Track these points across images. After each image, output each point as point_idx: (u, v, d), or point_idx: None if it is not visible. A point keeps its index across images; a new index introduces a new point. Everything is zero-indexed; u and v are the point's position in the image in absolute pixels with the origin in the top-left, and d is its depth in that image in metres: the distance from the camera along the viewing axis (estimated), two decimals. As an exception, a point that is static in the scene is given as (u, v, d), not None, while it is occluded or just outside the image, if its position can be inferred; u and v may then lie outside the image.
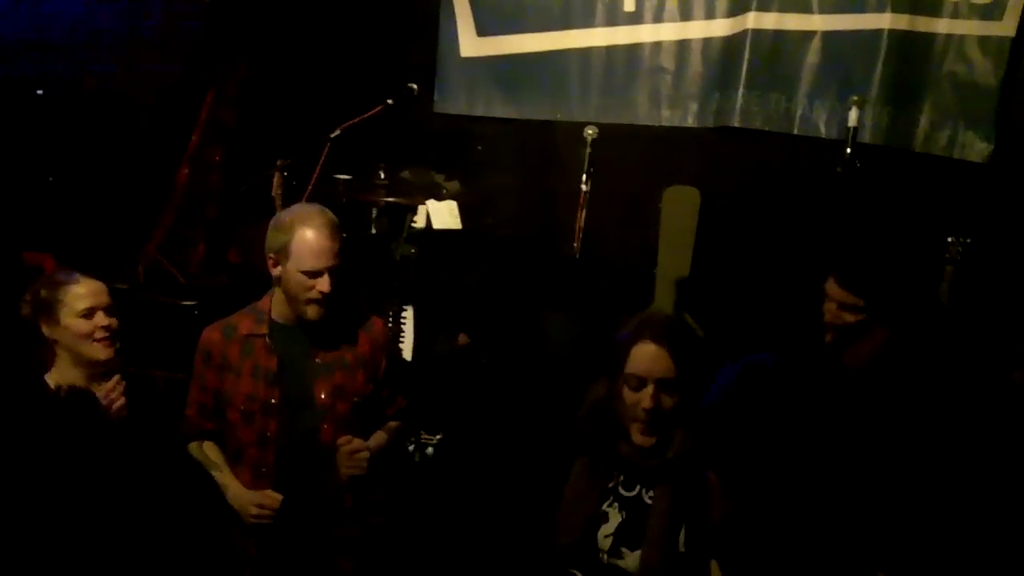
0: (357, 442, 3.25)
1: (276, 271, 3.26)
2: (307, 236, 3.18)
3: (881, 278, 3.12)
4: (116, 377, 3.18)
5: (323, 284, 3.19)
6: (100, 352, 3.14)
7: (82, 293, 3.15)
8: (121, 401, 3.17)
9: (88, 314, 3.13)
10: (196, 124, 5.35)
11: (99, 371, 3.17)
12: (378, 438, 3.42)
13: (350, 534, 3.35)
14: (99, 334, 3.13)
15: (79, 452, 3.07)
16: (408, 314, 4.58)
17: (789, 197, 4.73)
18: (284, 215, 3.30)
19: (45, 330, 3.15)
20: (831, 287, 3.20)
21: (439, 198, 4.76)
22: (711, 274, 4.86)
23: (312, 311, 3.23)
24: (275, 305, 3.33)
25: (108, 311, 3.18)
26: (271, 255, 3.26)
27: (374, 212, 4.78)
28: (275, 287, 3.33)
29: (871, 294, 3.09)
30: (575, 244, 4.16)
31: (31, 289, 3.19)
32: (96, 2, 5.59)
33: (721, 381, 1.98)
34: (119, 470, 3.10)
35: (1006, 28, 4.49)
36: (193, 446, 3.39)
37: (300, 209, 3.32)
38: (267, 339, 3.30)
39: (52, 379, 3.17)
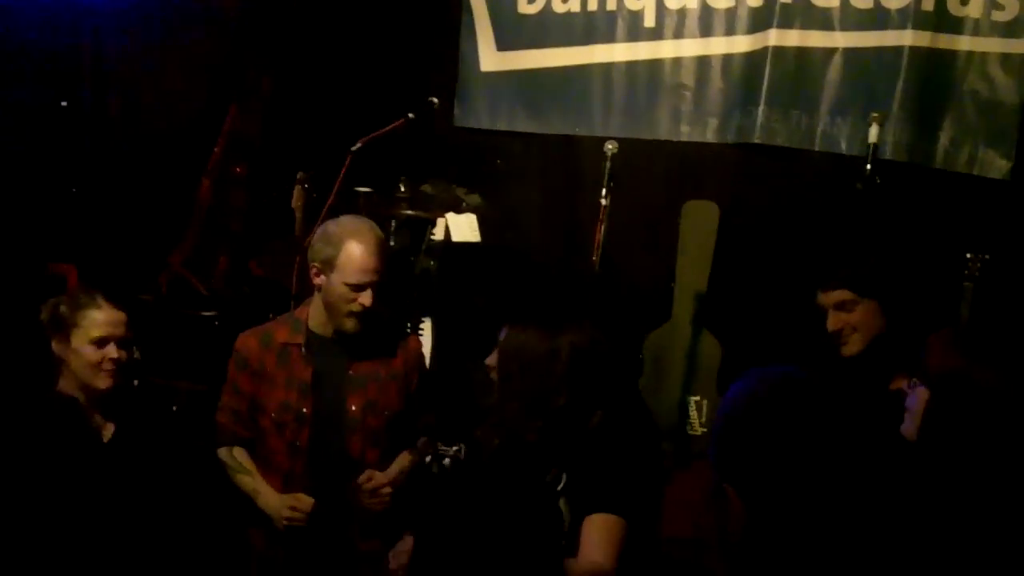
0: (378, 477, 3.28)
1: (319, 280, 3.26)
2: (355, 250, 3.18)
3: (856, 263, 3.17)
4: None
5: (366, 298, 3.20)
6: (101, 382, 3.09)
7: (100, 320, 3.09)
8: (107, 427, 3.17)
9: (100, 343, 3.07)
10: (219, 137, 5.39)
11: (96, 396, 3.16)
12: (403, 461, 3.43)
13: (372, 547, 3.35)
14: (107, 365, 3.08)
15: (69, 463, 3.07)
16: (426, 327, 4.60)
17: (809, 213, 4.73)
18: (333, 227, 3.29)
19: (55, 346, 3.10)
20: (820, 299, 3.23)
21: (459, 211, 4.78)
22: (729, 289, 4.87)
23: (351, 324, 3.25)
24: (313, 315, 3.35)
25: (121, 343, 3.11)
26: (315, 264, 3.26)
27: (394, 225, 4.80)
28: (314, 297, 3.34)
29: (850, 278, 3.13)
30: (594, 258, 4.16)
31: (53, 300, 3.16)
32: (123, 14, 5.63)
33: (738, 393, 1.98)
34: (114, 482, 3.10)
35: (1027, 46, 4.49)
36: (223, 451, 3.40)
37: (349, 222, 3.31)
38: (303, 349, 3.32)
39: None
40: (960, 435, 2.21)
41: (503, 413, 2.70)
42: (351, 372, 3.32)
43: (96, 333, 3.08)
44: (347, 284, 3.19)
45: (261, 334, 3.38)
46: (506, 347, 2.70)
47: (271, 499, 3.29)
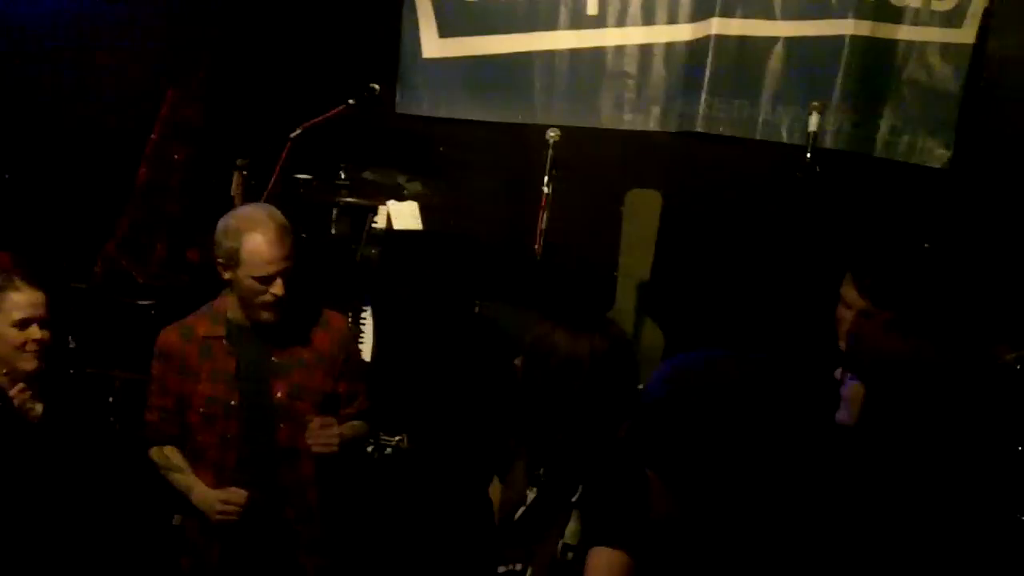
0: (328, 418, 3.23)
1: (227, 275, 3.21)
2: (256, 242, 3.13)
3: (906, 288, 3.13)
4: (19, 386, 3.11)
5: (276, 288, 3.15)
6: (26, 363, 3.10)
7: (20, 303, 3.09)
8: (35, 409, 3.12)
9: (22, 325, 3.08)
10: (156, 122, 5.31)
11: (21, 378, 3.11)
12: (345, 427, 3.37)
13: (313, 534, 3.33)
14: (30, 347, 3.09)
15: None
16: (367, 315, 4.56)
17: (750, 201, 4.75)
18: (231, 220, 3.23)
19: None
20: (850, 294, 3.18)
21: (400, 199, 4.73)
22: (672, 276, 4.87)
23: (267, 315, 3.21)
24: (232, 306, 3.30)
25: (43, 324, 3.12)
26: (220, 260, 3.21)
27: (335, 212, 4.74)
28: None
29: (897, 305, 3.09)
30: (537, 246, 4.15)
31: None
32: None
33: (658, 378, 1.96)
34: (39, 470, 3.07)
35: (966, 35, 4.55)
36: (155, 451, 3.36)
37: (247, 213, 3.25)
38: (225, 341, 3.28)
39: None
40: (905, 416, 2.21)
41: (525, 414, 2.64)
42: (275, 359, 3.29)
43: (17, 315, 3.08)
44: (254, 277, 3.14)
45: (181, 329, 3.34)
46: (529, 347, 2.65)
47: (204, 495, 3.26)
